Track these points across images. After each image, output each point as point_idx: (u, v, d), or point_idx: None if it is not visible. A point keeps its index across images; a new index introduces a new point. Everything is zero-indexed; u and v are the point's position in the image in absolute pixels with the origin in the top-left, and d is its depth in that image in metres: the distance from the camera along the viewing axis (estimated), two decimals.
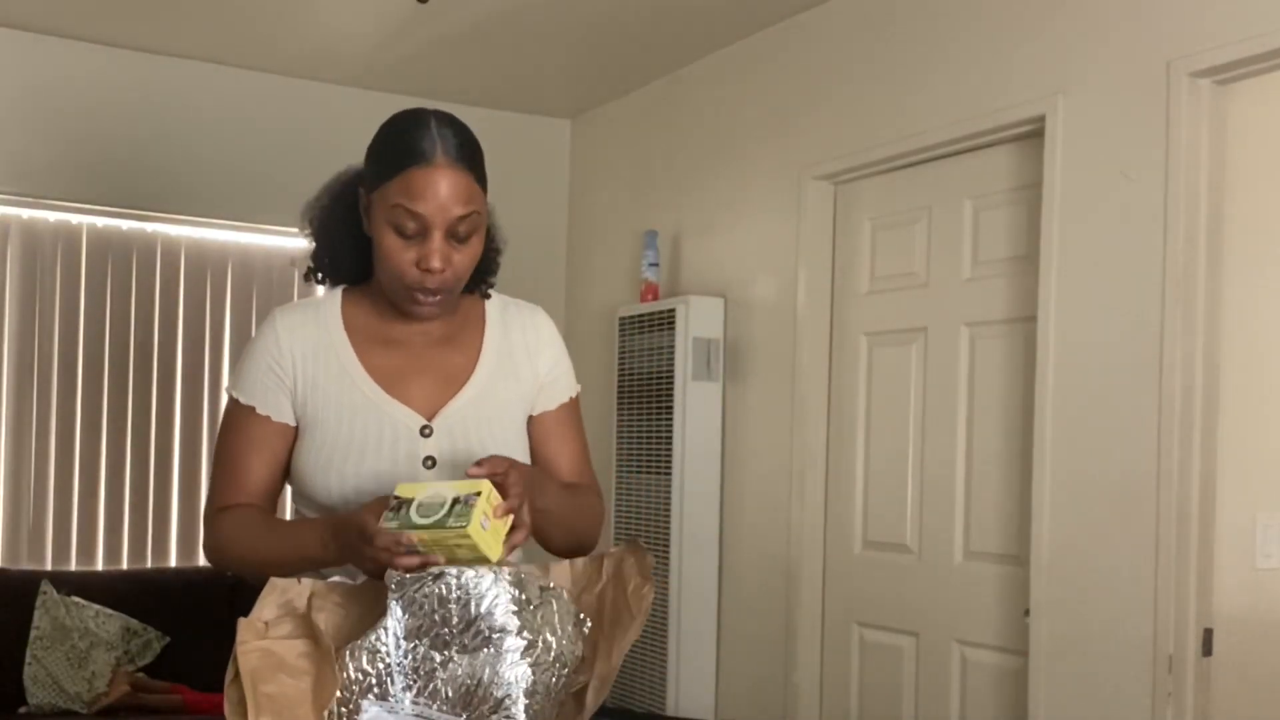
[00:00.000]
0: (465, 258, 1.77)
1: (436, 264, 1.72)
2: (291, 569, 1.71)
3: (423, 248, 1.73)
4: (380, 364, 1.84)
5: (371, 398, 1.82)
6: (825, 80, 4.05)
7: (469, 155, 1.76)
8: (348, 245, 1.87)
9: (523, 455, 1.89)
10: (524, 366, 1.92)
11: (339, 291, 1.91)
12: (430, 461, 1.81)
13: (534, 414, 1.94)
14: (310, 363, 1.83)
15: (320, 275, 1.94)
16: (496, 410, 1.87)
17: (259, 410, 1.83)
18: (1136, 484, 2.96)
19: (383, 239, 1.75)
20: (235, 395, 1.85)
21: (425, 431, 1.81)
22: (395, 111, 1.83)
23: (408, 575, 1.51)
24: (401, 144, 1.74)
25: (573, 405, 1.98)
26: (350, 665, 1.48)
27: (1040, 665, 3.17)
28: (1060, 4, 3.24)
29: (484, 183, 1.80)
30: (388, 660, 1.49)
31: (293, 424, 1.84)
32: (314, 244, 1.92)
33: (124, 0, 4.24)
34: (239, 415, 1.84)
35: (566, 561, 1.73)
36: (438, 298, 1.78)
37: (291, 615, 1.60)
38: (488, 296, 1.95)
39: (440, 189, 1.71)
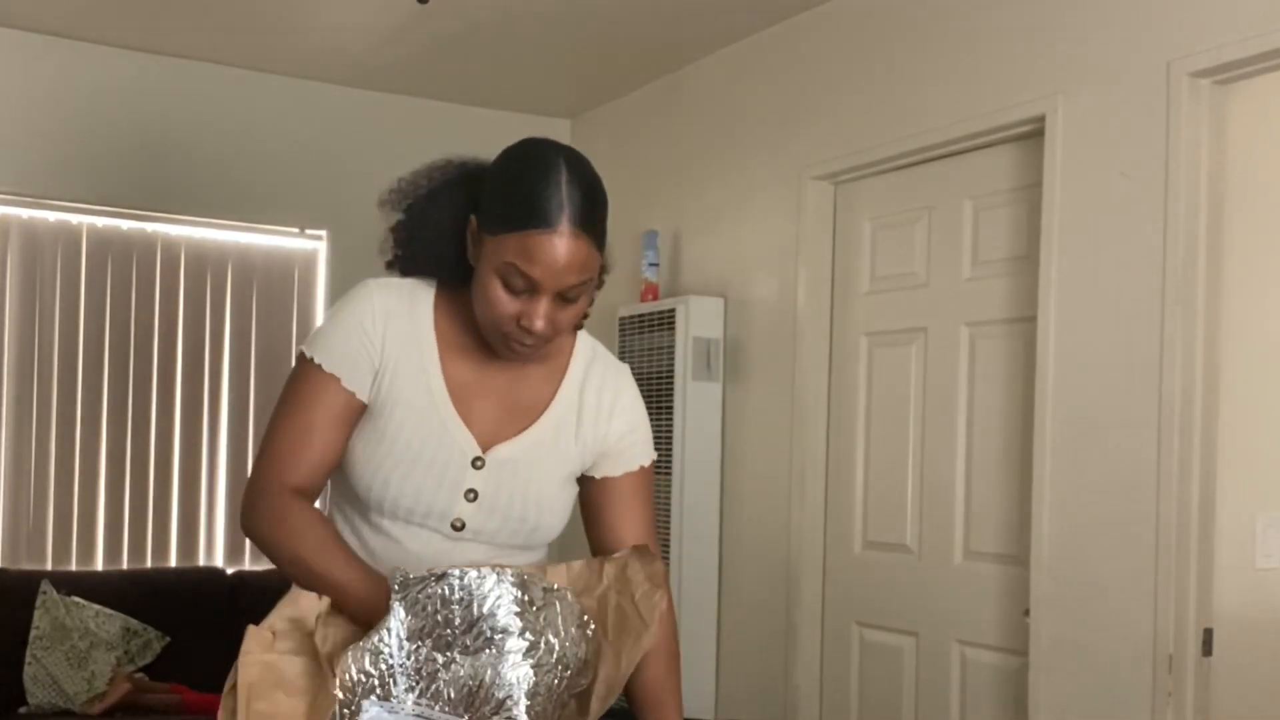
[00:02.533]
0: (569, 316, 1.69)
1: (540, 326, 1.65)
2: (329, 594, 1.64)
3: (528, 305, 1.65)
4: (457, 376, 1.77)
5: (440, 411, 1.75)
6: (825, 80, 4.05)
7: (594, 220, 1.68)
8: (440, 246, 1.78)
9: (563, 510, 1.83)
10: (589, 428, 1.83)
11: (433, 285, 1.80)
12: (472, 494, 1.75)
13: (597, 477, 1.85)
14: (398, 351, 1.75)
15: (401, 267, 1.83)
16: (550, 461, 1.80)
17: (345, 383, 1.73)
18: (1136, 484, 2.96)
19: (488, 286, 1.66)
20: (319, 362, 1.73)
21: (477, 463, 1.75)
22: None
23: (411, 575, 1.50)
24: (528, 200, 1.64)
25: (645, 474, 1.88)
26: (353, 667, 1.48)
27: (1040, 665, 3.17)
28: (1060, 4, 3.24)
29: (604, 240, 1.73)
30: (390, 661, 1.49)
31: (366, 404, 1.75)
32: (403, 234, 1.82)
33: (124, 0, 4.24)
34: (319, 383, 1.73)
35: (563, 565, 1.71)
36: (532, 349, 1.71)
37: (300, 630, 1.59)
38: (580, 327, 1.85)
39: (559, 256, 1.62)
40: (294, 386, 1.75)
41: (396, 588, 1.49)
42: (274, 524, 1.69)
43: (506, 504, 1.76)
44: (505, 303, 1.66)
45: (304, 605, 1.62)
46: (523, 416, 1.80)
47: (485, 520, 1.77)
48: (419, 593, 1.49)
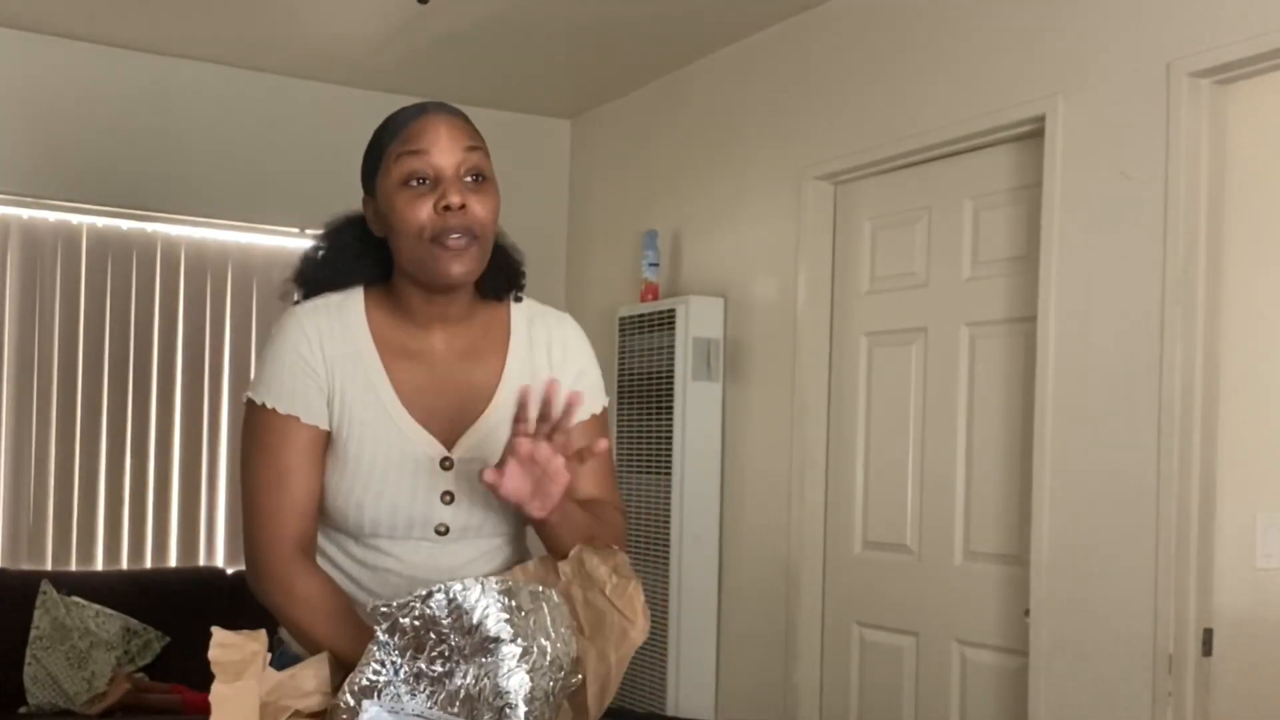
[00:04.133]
0: (483, 205, 1.69)
1: (455, 198, 1.65)
2: (342, 659, 1.61)
3: (439, 192, 1.67)
4: (405, 382, 1.74)
5: (398, 422, 1.73)
6: (825, 80, 4.05)
7: (462, 114, 1.76)
8: (354, 249, 1.80)
9: None
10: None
11: (360, 294, 1.79)
12: (448, 497, 1.74)
13: None
14: (341, 372, 1.73)
15: (317, 288, 1.83)
16: None
17: (305, 419, 1.71)
18: (1136, 484, 2.96)
19: (396, 202, 1.69)
20: (271, 406, 1.70)
21: (445, 464, 1.73)
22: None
23: (394, 604, 1.49)
24: (394, 118, 1.76)
25: (597, 421, 1.86)
26: (350, 700, 1.48)
27: (1040, 665, 3.17)
28: (1060, 4, 3.23)
29: (485, 146, 1.77)
30: (385, 687, 1.48)
31: (330, 431, 1.73)
32: (312, 261, 1.85)
33: (124, 0, 4.24)
34: (281, 428, 1.70)
35: (517, 566, 1.69)
36: (464, 242, 1.67)
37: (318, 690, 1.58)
38: (518, 300, 1.85)
39: (439, 126, 1.70)
40: (256, 438, 1.72)
41: (380, 619, 1.48)
42: (280, 592, 1.68)
43: (485, 496, 1.72)
44: (417, 206, 1.68)
45: (321, 675, 1.60)
46: (478, 400, 1.77)
47: (468, 518, 1.75)
48: (404, 617, 1.48)
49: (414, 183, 1.69)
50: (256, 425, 1.73)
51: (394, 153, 1.71)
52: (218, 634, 1.52)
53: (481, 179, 1.71)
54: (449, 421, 1.75)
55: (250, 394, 1.74)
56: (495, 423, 1.75)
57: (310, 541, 1.74)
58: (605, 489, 1.86)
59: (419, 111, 1.73)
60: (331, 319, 1.75)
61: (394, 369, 1.75)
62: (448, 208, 1.66)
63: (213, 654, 1.50)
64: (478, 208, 1.69)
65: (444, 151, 1.69)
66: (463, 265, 1.69)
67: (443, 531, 1.75)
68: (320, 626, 1.65)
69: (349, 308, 1.77)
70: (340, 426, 1.72)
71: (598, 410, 1.86)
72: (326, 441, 1.73)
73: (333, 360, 1.73)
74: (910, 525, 3.75)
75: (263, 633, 1.57)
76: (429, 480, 1.73)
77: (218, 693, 1.48)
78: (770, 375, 4.24)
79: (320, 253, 1.85)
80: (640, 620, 1.62)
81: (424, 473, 1.72)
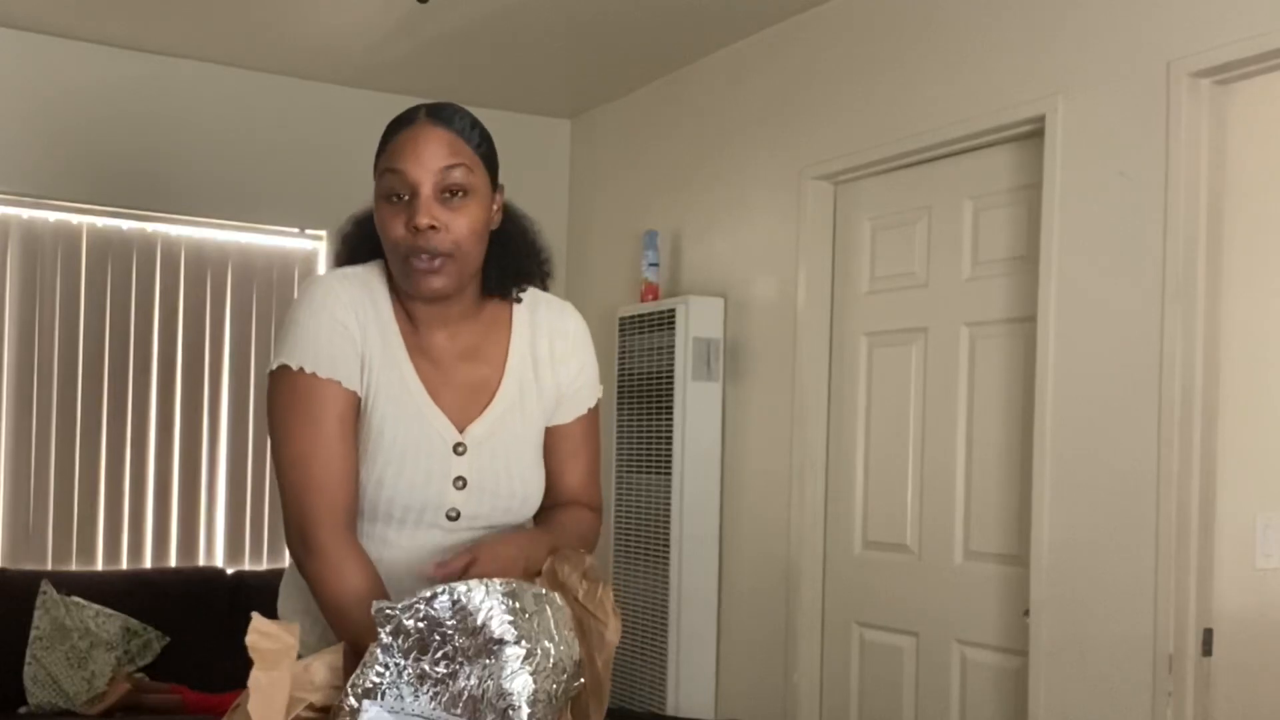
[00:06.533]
0: (462, 221, 1.69)
1: (423, 220, 1.66)
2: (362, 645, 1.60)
3: (412, 209, 1.67)
4: (421, 366, 1.76)
5: (417, 399, 1.74)
6: (825, 80, 4.05)
7: (454, 116, 1.74)
8: (367, 246, 1.82)
9: (543, 473, 1.84)
10: (547, 376, 1.84)
11: (381, 268, 1.79)
12: (460, 482, 1.75)
13: (550, 424, 1.86)
14: (371, 341, 1.73)
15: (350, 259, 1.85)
16: (522, 427, 1.81)
17: (345, 384, 1.68)
18: (1136, 484, 2.96)
19: (379, 215, 1.72)
20: (310, 370, 1.66)
21: (459, 449, 1.75)
22: (395, 112, 1.82)
23: (400, 605, 1.49)
24: (389, 126, 1.76)
25: (592, 415, 1.89)
26: (352, 701, 1.48)
27: (1040, 665, 3.17)
28: (1060, 4, 3.24)
29: (483, 150, 1.76)
30: (388, 688, 1.48)
31: (362, 398, 1.71)
32: (350, 235, 1.87)
33: (124, 0, 4.24)
34: (321, 392, 1.66)
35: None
36: (435, 262, 1.68)
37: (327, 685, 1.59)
38: (519, 300, 1.86)
39: (419, 142, 1.70)
40: (293, 406, 1.68)
41: (384, 620, 1.48)
42: (331, 570, 1.65)
43: (494, 483, 1.76)
44: (392, 216, 1.69)
45: (335, 668, 1.60)
46: (484, 392, 1.79)
47: (477, 505, 1.77)
48: (409, 619, 1.48)
49: (393, 198, 1.70)
50: (292, 392, 1.68)
51: (380, 165, 1.73)
52: (258, 621, 1.52)
53: (462, 194, 1.71)
54: (459, 410, 1.77)
55: (283, 360, 1.69)
56: (500, 413, 1.79)
57: (354, 514, 1.71)
58: (587, 485, 1.90)
59: (406, 123, 1.74)
60: (361, 289, 1.76)
61: (412, 351, 1.77)
62: (417, 228, 1.67)
63: (251, 639, 1.50)
64: (453, 225, 1.69)
65: (420, 169, 1.68)
66: (439, 281, 1.70)
67: (454, 517, 1.76)
68: (362, 615, 1.61)
69: (375, 285, 1.78)
70: (369, 397, 1.72)
71: (585, 410, 1.90)
72: (359, 411, 1.72)
73: (365, 327, 1.73)
74: (910, 525, 3.75)
75: (297, 627, 1.57)
76: (443, 465, 1.74)
77: (255, 679, 1.49)
78: (770, 375, 4.24)
79: (344, 236, 1.88)
80: (613, 620, 1.64)
81: (438, 456, 1.74)
